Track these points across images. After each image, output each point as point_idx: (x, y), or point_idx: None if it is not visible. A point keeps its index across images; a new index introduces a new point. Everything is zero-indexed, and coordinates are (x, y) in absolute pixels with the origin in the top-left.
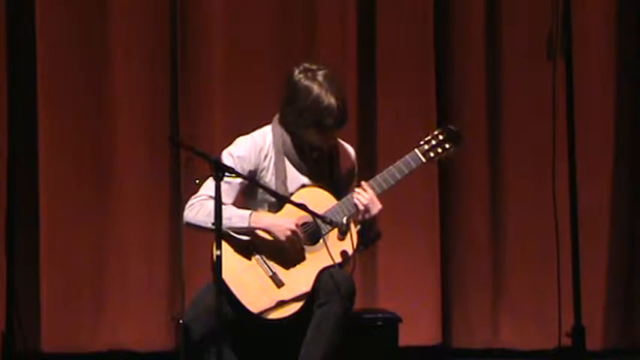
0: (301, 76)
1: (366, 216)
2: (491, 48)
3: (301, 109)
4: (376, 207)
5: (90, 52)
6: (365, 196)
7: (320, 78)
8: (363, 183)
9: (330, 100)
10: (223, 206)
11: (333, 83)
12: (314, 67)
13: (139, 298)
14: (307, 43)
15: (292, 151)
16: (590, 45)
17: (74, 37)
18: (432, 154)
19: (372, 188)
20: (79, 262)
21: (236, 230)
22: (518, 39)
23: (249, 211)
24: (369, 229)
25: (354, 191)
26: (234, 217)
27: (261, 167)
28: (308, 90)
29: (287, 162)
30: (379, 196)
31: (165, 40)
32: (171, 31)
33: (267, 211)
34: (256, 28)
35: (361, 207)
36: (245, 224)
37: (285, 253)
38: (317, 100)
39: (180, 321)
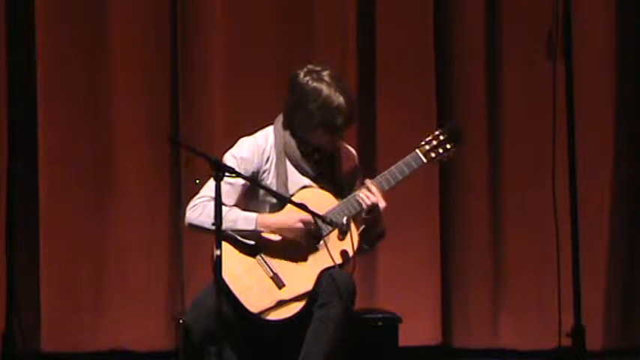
0: (307, 78)
1: (371, 214)
2: (491, 48)
3: (311, 111)
4: (381, 204)
5: (90, 52)
6: (369, 194)
7: (327, 78)
8: (367, 180)
9: (340, 99)
10: (228, 209)
11: (340, 82)
12: (318, 68)
13: (139, 298)
14: (307, 43)
15: (294, 153)
16: (590, 45)
17: (74, 37)
18: (433, 155)
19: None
20: (79, 262)
21: (241, 233)
22: (518, 39)
23: (255, 214)
24: (374, 228)
25: (357, 190)
26: (240, 219)
27: (262, 169)
28: (317, 91)
29: (288, 163)
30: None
31: (166, 40)
32: (171, 31)
33: (269, 212)
34: (256, 28)
35: (366, 205)
36: (251, 226)
37: (287, 253)
38: (327, 100)
39: (181, 321)
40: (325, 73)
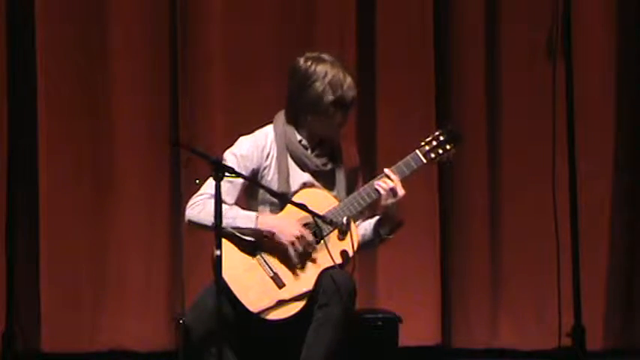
0: (309, 62)
1: (389, 201)
2: (491, 48)
3: (319, 92)
4: (400, 191)
5: (90, 52)
6: (388, 182)
7: (328, 58)
8: (385, 170)
9: (346, 74)
10: (228, 206)
11: (341, 62)
12: (316, 53)
13: (139, 298)
14: (307, 43)
15: (296, 148)
16: (590, 45)
17: (74, 36)
18: (432, 155)
19: (374, 190)
20: (79, 262)
21: (241, 231)
22: (518, 39)
23: (255, 213)
24: (393, 216)
25: (374, 180)
26: (240, 217)
27: (263, 166)
28: (323, 71)
29: (289, 159)
30: (380, 199)
31: (165, 40)
32: (171, 31)
33: (269, 211)
34: (256, 28)
35: (383, 192)
36: (251, 225)
37: (287, 253)
38: (335, 77)
39: (181, 321)
40: (325, 55)
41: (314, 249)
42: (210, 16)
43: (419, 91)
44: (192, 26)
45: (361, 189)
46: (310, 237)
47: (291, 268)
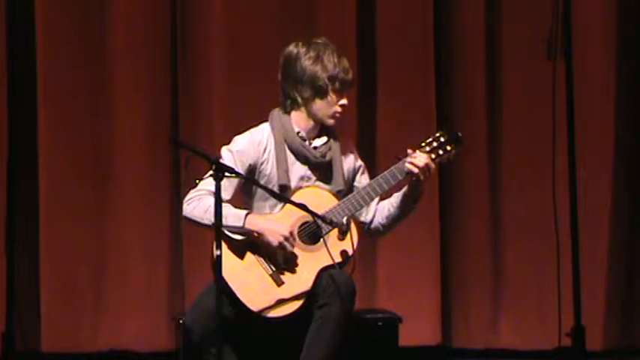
0: (302, 49)
1: (422, 177)
2: (491, 48)
3: (315, 69)
4: (432, 165)
5: (90, 52)
6: (421, 159)
7: (319, 41)
8: (409, 151)
9: (340, 56)
10: (222, 204)
11: (332, 45)
12: (305, 40)
13: (139, 298)
14: None
15: (293, 139)
16: (590, 45)
17: (74, 36)
18: (433, 156)
19: (374, 189)
20: (79, 262)
21: (230, 229)
22: (518, 39)
23: (244, 211)
24: (420, 189)
25: (400, 162)
26: (230, 215)
27: (260, 160)
28: (315, 50)
29: (287, 151)
30: (382, 197)
31: (166, 40)
32: (171, 31)
33: (268, 207)
34: (256, 28)
35: (416, 170)
36: (239, 224)
37: (284, 252)
38: (329, 55)
39: (181, 321)
40: (315, 40)
41: (311, 249)
42: (210, 16)
43: (419, 91)
44: (192, 26)
45: (378, 177)
46: (296, 239)
47: (290, 266)
